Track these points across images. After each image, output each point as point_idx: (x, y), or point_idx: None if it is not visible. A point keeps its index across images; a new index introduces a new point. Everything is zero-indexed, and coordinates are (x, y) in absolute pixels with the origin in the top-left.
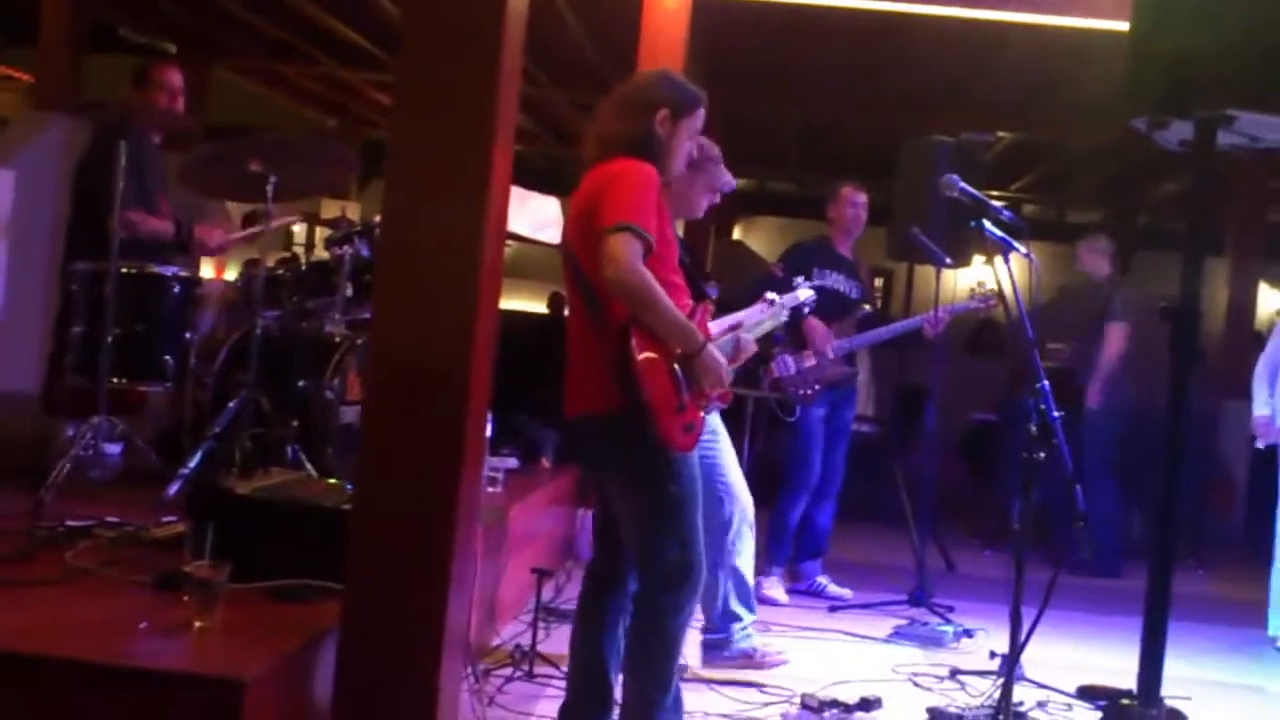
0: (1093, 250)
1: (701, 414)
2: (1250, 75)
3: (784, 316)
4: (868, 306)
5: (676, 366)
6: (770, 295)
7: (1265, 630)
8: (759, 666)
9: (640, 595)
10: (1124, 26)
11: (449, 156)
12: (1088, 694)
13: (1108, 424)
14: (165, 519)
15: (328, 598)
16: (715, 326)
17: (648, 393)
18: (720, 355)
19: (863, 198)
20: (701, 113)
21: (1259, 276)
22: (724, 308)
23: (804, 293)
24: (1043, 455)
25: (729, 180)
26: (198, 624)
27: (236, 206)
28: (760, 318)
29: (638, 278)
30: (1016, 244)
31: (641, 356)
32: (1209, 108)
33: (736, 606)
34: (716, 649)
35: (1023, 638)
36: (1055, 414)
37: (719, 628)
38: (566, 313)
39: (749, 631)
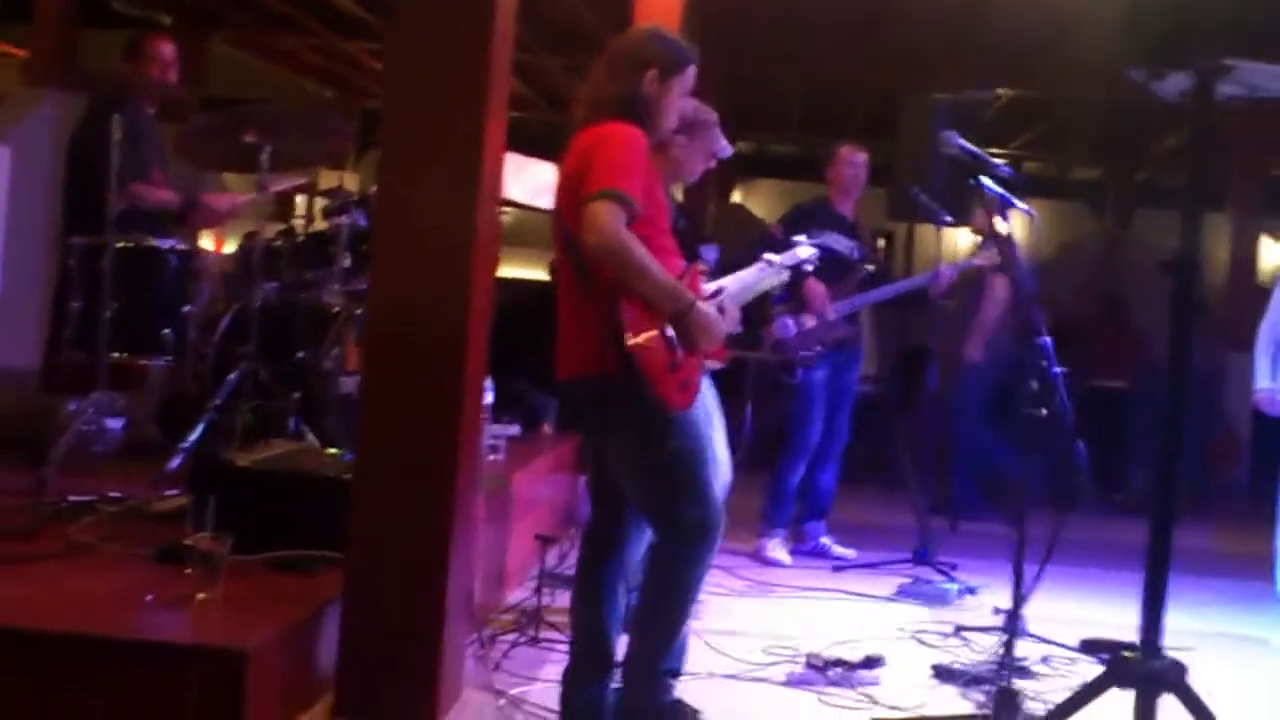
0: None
1: (699, 370)
2: (1248, 23)
3: (784, 275)
4: (870, 267)
5: (668, 327)
6: (768, 255)
7: (1270, 584)
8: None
9: (657, 549)
10: None
11: (442, 124)
12: (1090, 647)
13: (986, 375)
14: (167, 492)
15: (330, 568)
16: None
17: (640, 358)
18: (712, 314)
19: (861, 157)
20: (693, 71)
21: (1261, 230)
22: (726, 270)
23: (805, 250)
24: (1044, 412)
25: (725, 146)
26: (200, 596)
27: (236, 179)
28: (759, 278)
29: (619, 242)
30: (1016, 200)
31: (633, 338)
32: (1207, 57)
33: None
34: None
35: (1025, 593)
36: (1056, 370)
37: None
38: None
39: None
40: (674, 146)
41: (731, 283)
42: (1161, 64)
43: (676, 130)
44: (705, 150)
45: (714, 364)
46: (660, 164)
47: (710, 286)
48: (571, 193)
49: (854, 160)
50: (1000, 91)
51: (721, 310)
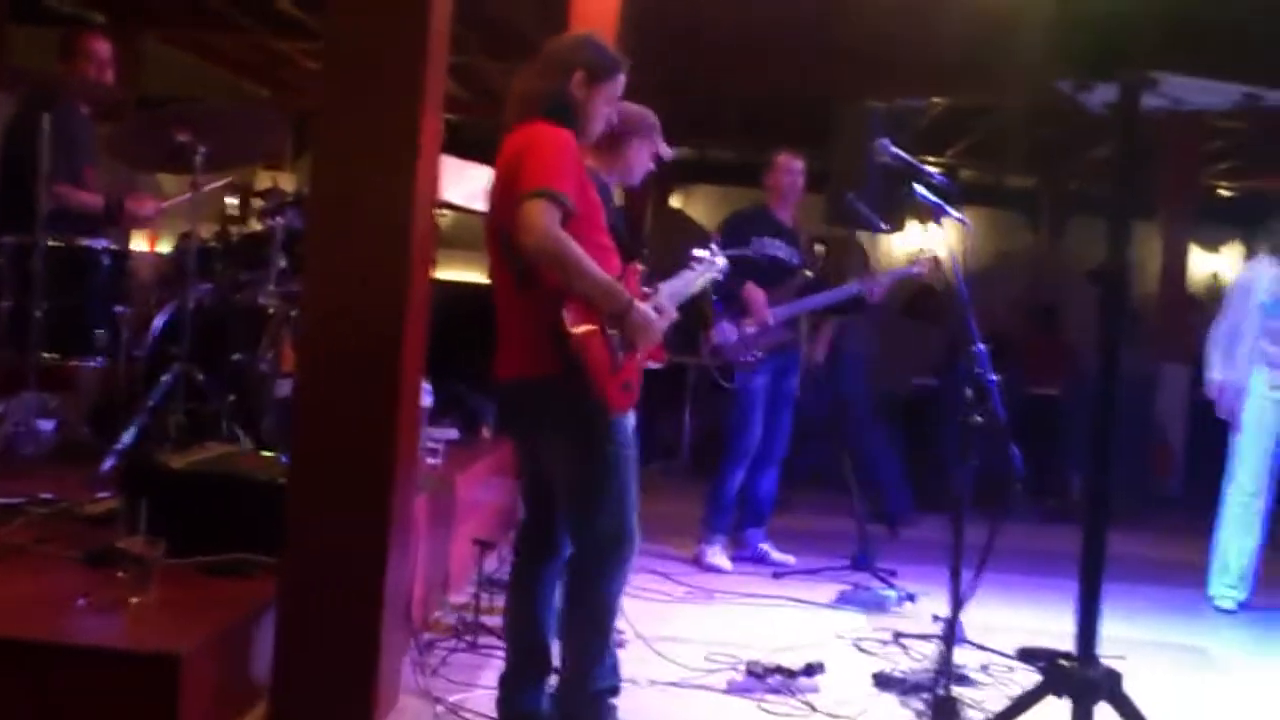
0: None
1: (638, 373)
2: (1172, 38)
3: (716, 274)
4: (808, 273)
5: (608, 327)
6: (697, 252)
7: (1204, 590)
8: None
9: (573, 562)
10: None
11: (378, 124)
12: (1027, 655)
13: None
14: (99, 495)
15: (265, 572)
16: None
17: (583, 356)
18: (649, 313)
19: (799, 165)
20: (621, 79)
21: (1191, 239)
22: (660, 276)
23: (720, 260)
24: (979, 418)
25: (666, 149)
26: (133, 600)
27: (169, 179)
28: (692, 278)
29: (555, 243)
30: (949, 208)
31: (575, 330)
32: (1131, 70)
33: None
34: None
35: (962, 600)
36: (992, 378)
37: None
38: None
39: None
40: (628, 148)
41: (666, 284)
42: (1087, 76)
43: (626, 132)
44: (647, 152)
45: (653, 364)
46: (608, 164)
47: (646, 290)
48: (504, 193)
49: (792, 167)
50: (934, 100)
51: (659, 310)
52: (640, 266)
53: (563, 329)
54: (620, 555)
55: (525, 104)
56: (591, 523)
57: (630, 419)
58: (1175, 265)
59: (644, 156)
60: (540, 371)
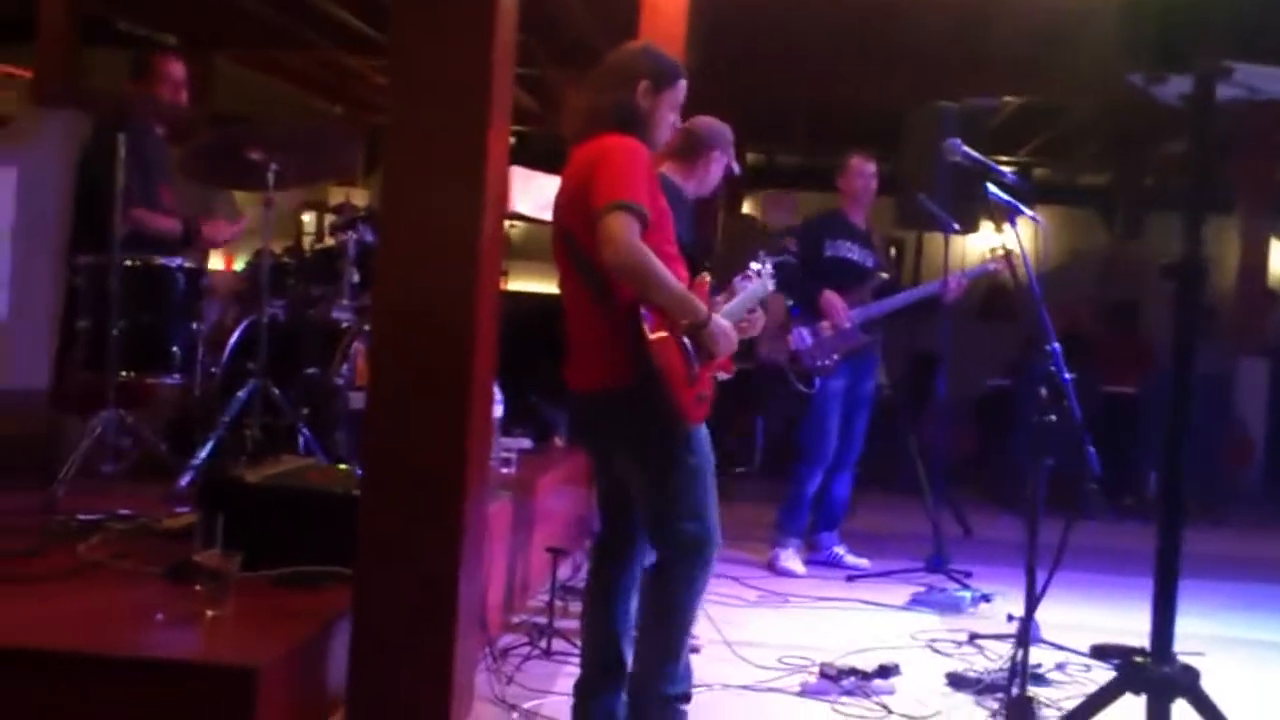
0: (776, 205)
1: (712, 385)
2: (1246, 25)
3: (770, 285)
4: (884, 275)
5: (685, 339)
6: (753, 265)
7: None
8: None
9: (655, 566)
10: None
11: (445, 137)
12: (1101, 653)
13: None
14: (176, 510)
15: (340, 584)
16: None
17: (662, 368)
18: (726, 325)
19: (872, 167)
20: (683, 84)
21: (1270, 233)
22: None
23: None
24: (1054, 418)
25: (735, 166)
26: (210, 613)
27: (245, 196)
28: (752, 291)
29: (638, 256)
30: (1023, 207)
31: (654, 335)
32: (1205, 60)
33: None
34: None
35: (1037, 599)
36: (1067, 376)
37: None
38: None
39: None
40: (709, 160)
41: (731, 303)
42: (1160, 68)
43: (707, 144)
44: (725, 165)
45: (723, 375)
46: (686, 174)
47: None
48: (576, 207)
49: (865, 170)
50: (1006, 99)
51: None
52: (708, 278)
53: (640, 332)
54: (703, 559)
55: (592, 117)
56: (674, 529)
57: (705, 431)
58: (1254, 259)
59: (719, 169)
60: (616, 384)
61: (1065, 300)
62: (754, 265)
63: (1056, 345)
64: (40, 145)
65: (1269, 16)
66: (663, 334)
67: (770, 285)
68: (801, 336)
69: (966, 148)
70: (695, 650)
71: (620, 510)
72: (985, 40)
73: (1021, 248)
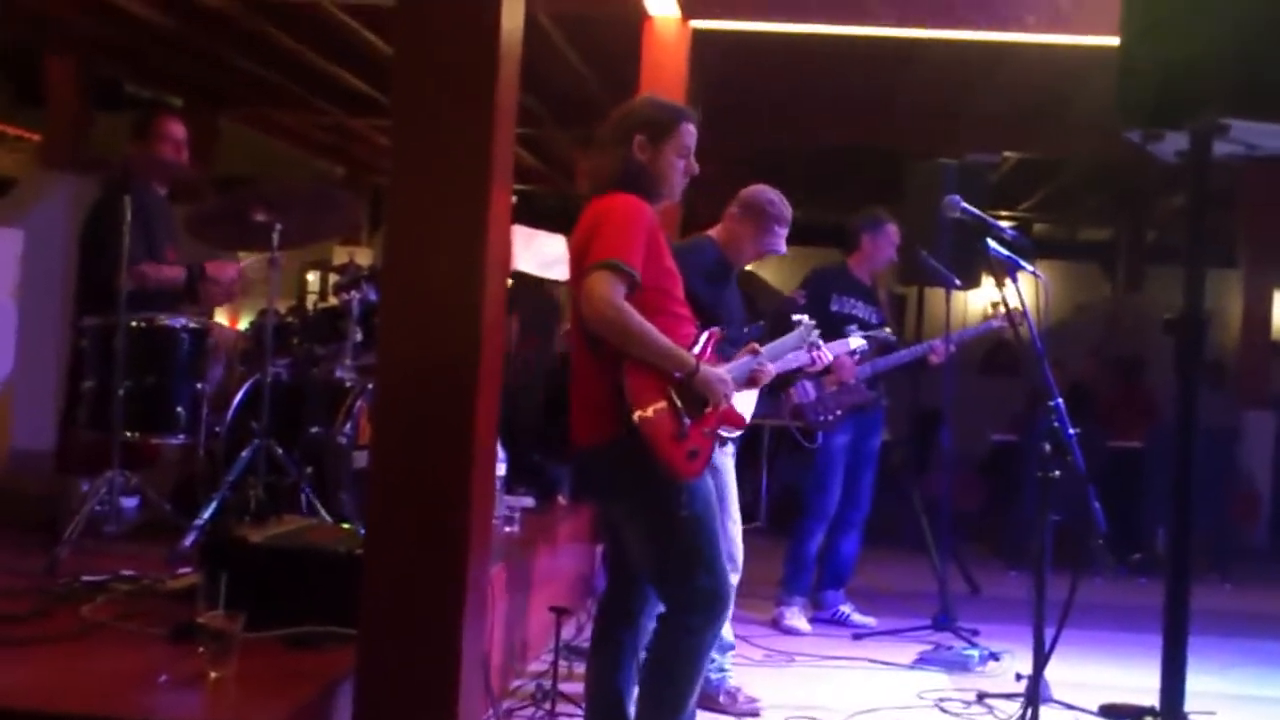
0: None
1: (708, 439)
2: (1241, 82)
3: (812, 338)
4: (888, 330)
5: (674, 394)
6: (796, 316)
7: None
8: (734, 711)
9: (664, 617)
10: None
11: (447, 197)
12: (1112, 712)
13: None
14: (180, 570)
15: (344, 644)
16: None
17: (645, 429)
18: (719, 372)
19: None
20: (689, 128)
21: (1273, 285)
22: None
23: (855, 341)
24: (1058, 473)
25: (779, 247)
26: (213, 675)
27: (248, 258)
28: (792, 339)
29: (613, 313)
30: (1023, 262)
31: (637, 399)
32: (1201, 117)
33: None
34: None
35: (1045, 656)
36: (1071, 431)
37: None
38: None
39: (726, 670)
40: (728, 220)
41: (768, 347)
42: (1156, 125)
43: (735, 207)
44: (761, 241)
45: (733, 431)
46: (748, 239)
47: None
48: (577, 267)
49: (895, 238)
50: (1006, 154)
51: (758, 367)
52: (719, 333)
53: (624, 399)
54: (712, 614)
55: (595, 179)
56: (681, 584)
57: (706, 483)
58: (1258, 312)
59: (754, 244)
60: (607, 439)
61: (1071, 355)
62: (795, 317)
63: (1060, 401)
64: (47, 208)
65: (1264, 73)
66: (650, 408)
67: (811, 336)
68: (805, 390)
69: (966, 204)
70: (755, 714)
71: (625, 567)
72: (985, 95)
73: (1023, 303)
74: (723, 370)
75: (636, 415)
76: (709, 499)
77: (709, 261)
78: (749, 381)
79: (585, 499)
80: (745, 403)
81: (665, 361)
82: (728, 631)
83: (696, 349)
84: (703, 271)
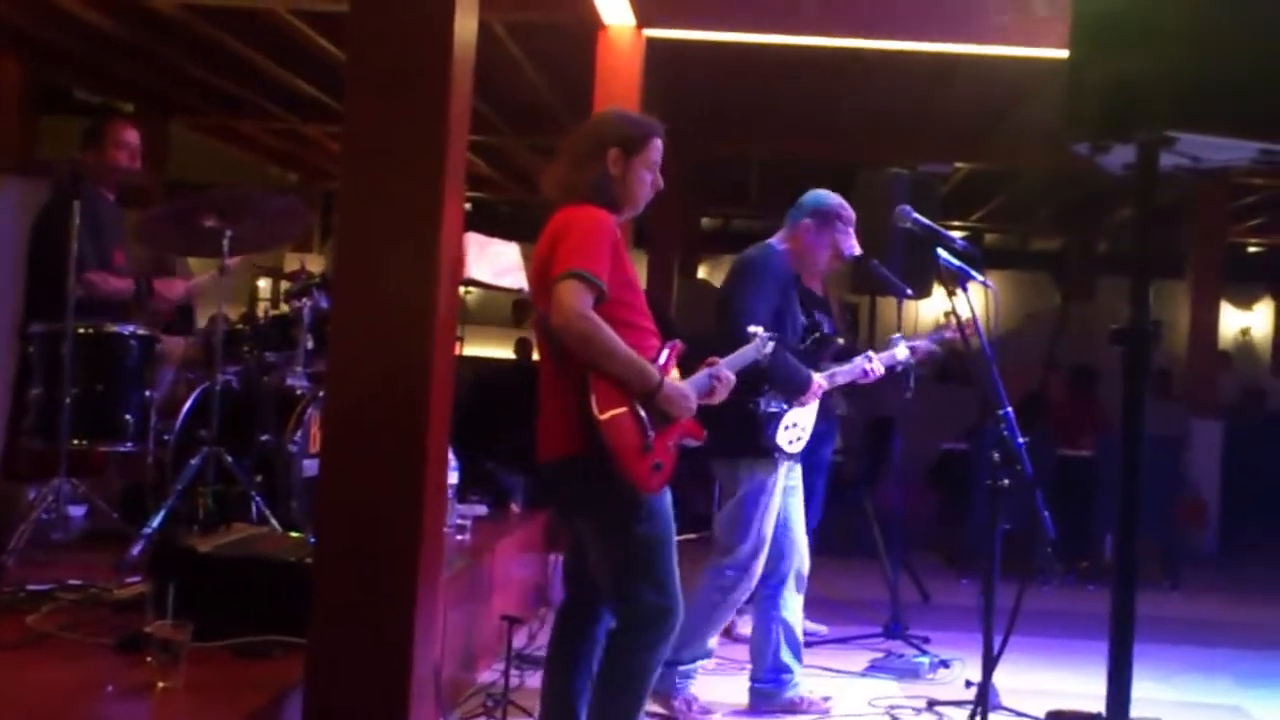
0: None
1: (671, 453)
2: (1187, 95)
3: (767, 349)
4: (840, 340)
5: (639, 407)
6: (753, 329)
7: (1240, 648)
8: (804, 714)
9: (614, 633)
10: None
11: (399, 204)
12: (1058, 718)
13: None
14: (128, 579)
15: (293, 653)
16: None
17: (610, 439)
18: (682, 387)
19: None
20: (657, 143)
21: (1221, 296)
22: (692, 348)
23: (901, 351)
24: (1006, 481)
25: (853, 247)
26: (161, 685)
27: (199, 274)
28: (746, 355)
29: (584, 323)
30: (973, 272)
31: (603, 414)
32: (1147, 130)
33: (787, 657)
34: (766, 698)
35: (992, 665)
36: (1020, 440)
37: (768, 678)
38: (536, 358)
39: (796, 682)
40: (801, 232)
41: (726, 359)
42: (1104, 137)
43: (806, 218)
44: (834, 244)
45: (692, 442)
46: (794, 257)
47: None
48: (541, 276)
49: None
50: (957, 165)
51: (717, 378)
52: (680, 344)
53: (589, 411)
54: (662, 631)
55: (566, 189)
56: (633, 600)
57: (665, 500)
58: (1205, 322)
59: (828, 248)
60: (571, 451)
61: (1022, 365)
62: (751, 328)
63: (1009, 410)
64: None
65: (1209, 87)
66: (614, 412)
67: (766, 349)
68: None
69: (917, 214)
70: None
71: (584, 578)
72: (939, 106)
73: (973, 312)
74: (685, 385)
75: (599, 416)
76: (667, 517)
77: (781, 269)
78: (708, 394)
79: (549, 510)
80: (805, 417)
81: (630, 374)
82: (712, 641)
83: (660, 361)
84: (777, 281)
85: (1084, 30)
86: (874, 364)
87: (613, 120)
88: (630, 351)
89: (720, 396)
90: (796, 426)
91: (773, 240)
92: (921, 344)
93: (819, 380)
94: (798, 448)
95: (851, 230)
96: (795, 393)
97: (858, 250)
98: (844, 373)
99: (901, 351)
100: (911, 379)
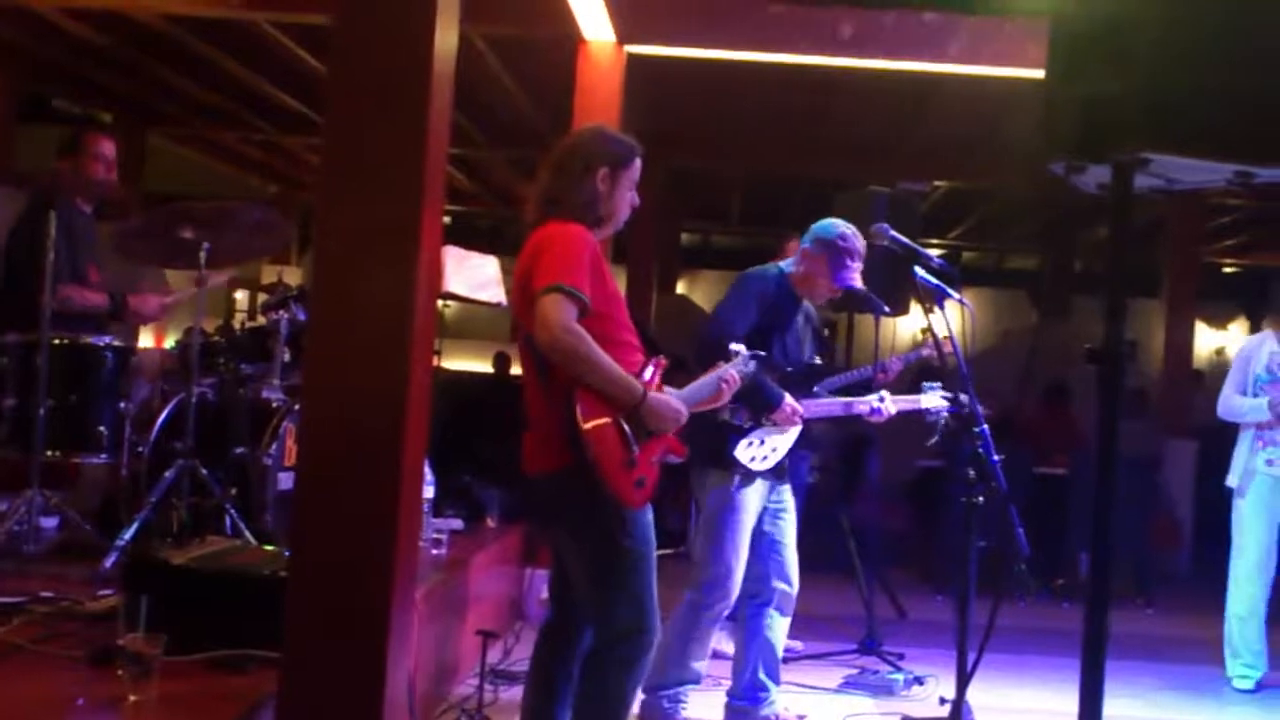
0: None
1: (654, 467)
2: (1162, 117)
3: (749, 368)
4: (819, 360)
5: (623, 422)
6: (734, 346)
7: (1214, 666)
8: None
9: (591, 652)
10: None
11: (378, 217)
12: None
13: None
14: (101, 592)
15: (266, 666)
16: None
17: (595, 453)
18: (669, 400)
19: None
20: (638, 163)
21: (1196, 315)
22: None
23: (929, 400)
24: (981, 499)
25: (848, 279)
26: (133, 698)
27: (176, 275)
28: (720, 372)
29: (570, 338)
30: (950, 290)
31: (588, 423)
32: (1122, 150)
33: (763, 677)
34: (742, 715)
35: (967, 681)
36: (995, 458)
37: (745, 696)
38: (516, 372)
39: (773, 700)
40: (803, 258)
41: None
42: (1079, 157)
43: (809, 244)
44: (829, 274)
45: (674, 459)
46: (802, 279)
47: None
48: (522, 291)
49: None
50: (936, 183)
51: (726, 381)
52: (664, 359)
53: (575, 423)
54: (639, 648)
55: (551, 204)
56: (610, 615)
57: (647, 515)
58: (1180, 342)
59: (828, 279)
60: (555, 466)
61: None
62: (733, 346)
63: (985, 427)
64: None
65: (1184, 109)
66: (598, 421)
67: (747, 367)
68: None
69: (894, 232)
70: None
71: (567, 595)
72: (918, 125)
73: (950, 330)
74: (674, 398)
75: (584, 425)
76: (648, 533)
77: (771, 289)
78: (714, 396)
79: (525, 525)
80: (781, 441)
81: (615, 388)
82: (701, 664)
83: (646, 376)
84: (761, 298)
85: (1060, 51)
86: (886, 404)
87: (599, 139)
88: (615, 365)
89: (725, 399)
90: (764, 445)
91: (784, 262)
92: (895, 363)
93: (792, 404)
94: (761, 466)
95: (855, 263)
96: (761, 410)
97: (856, 283)
98: (843, 404)
99: (929, 400)
100: (940, 430)
